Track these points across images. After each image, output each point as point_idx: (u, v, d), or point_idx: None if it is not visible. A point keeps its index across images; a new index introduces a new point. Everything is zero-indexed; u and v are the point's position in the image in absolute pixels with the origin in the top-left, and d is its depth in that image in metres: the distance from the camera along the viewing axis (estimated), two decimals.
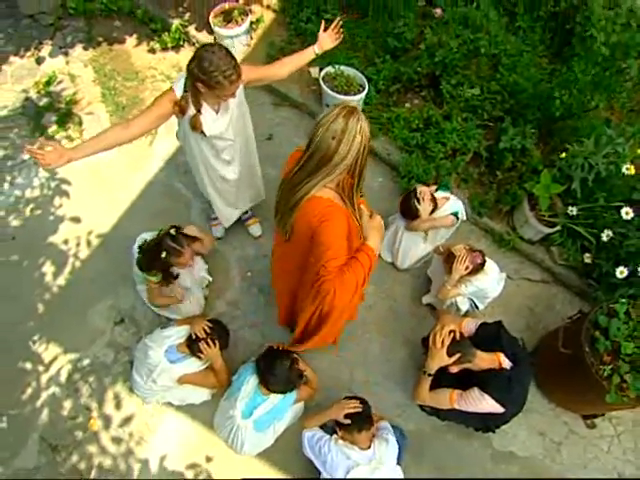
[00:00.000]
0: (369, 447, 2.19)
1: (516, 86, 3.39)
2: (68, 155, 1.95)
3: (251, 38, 3.95)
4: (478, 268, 2.58)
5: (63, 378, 2.80)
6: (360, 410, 2.20)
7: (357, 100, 3.39)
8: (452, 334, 2.16)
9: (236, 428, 2.44)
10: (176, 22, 3.96)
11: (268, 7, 4.12)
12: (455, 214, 2.88)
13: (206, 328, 2.42)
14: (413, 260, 3.11)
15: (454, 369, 2.20)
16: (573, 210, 2.98)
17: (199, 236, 2.65)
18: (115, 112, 3.69)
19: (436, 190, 2.95)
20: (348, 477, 2.09)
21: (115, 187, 3.40)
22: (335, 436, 2.23)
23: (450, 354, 2.13)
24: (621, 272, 2.62)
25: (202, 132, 2.23)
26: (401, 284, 3.15)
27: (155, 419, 2.71)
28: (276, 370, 2.37)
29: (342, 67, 3.47)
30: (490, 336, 2.29)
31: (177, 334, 2.46)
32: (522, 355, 2.25)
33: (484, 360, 2.18)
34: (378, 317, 3.03)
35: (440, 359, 2.14)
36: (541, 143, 3.48)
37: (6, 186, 3.37)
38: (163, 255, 2.44)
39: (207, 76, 1.96)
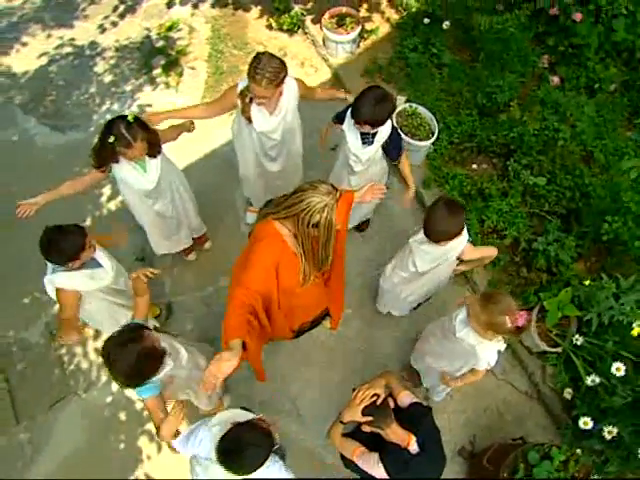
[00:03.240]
0: None
1: (590, 188, 3.20)
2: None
3: (357, 47, 4.02)
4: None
5: None
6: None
7: (421, 146, 3.39)
8: (375, 397, 2.26)
9: None
10: (297, 8, 4.12)
11: (387, 20, 4.12)
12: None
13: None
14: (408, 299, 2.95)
15: (366, 428, 2.31)
16: (579, 340, 2.83)
17: None
18: (213, 75, 4.03)
19: None
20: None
21: (187, 142, 3.52)
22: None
23: (364, 414, 2.25)
24: (585, 423, 2.51)
25: (249, 120, 2.52)
26: (382, 332, 3.24)
27: None
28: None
29: (420, 108, 3.46)
30: (415, 417, 2.36)
31: None
32: (433, 448, 2.28)
33: (396, 434, 2.25)
34: (348, 352, 3.18)
35: (354, 414, 2.26)
36: (593, 257, 3.29)
37: (103, 108, 3.90)
38: (110, 140, 2.18)
39: (247, 72, 2.30)
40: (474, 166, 3.58)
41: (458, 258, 2.50)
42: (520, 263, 3.28)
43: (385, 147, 2.64)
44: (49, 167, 3.57)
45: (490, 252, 2.55)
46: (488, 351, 2.26)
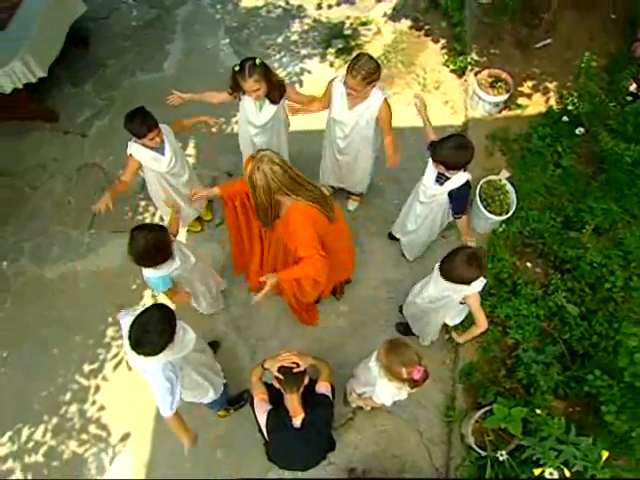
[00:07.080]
0: None
1: (612, 343, 3.05)
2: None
3: (499, 112, 4.20)
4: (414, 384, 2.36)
5: None
6: None
7: (487, 217, 3.53)
8: (294, 365, 2.63)
9: None
10: (470, 56, 4.43)
11: (543, 103, 4.20)
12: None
13: None
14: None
15: (275, 384, 2.71)
16: (503, 456, 2.85)
17: None
18: None
19: None
20: None
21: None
22: None
23: (279, 371, 2.65)
24: None
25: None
26: (359, 340, 3.56)
27: None
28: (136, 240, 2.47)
29: (509, 187, 3.58)
30: (316, 403, 2.66)
31: None
32: (311, 435, 2.55)
33: (292, 403, 2.59)
34: (327, 341, 3.56)
35: (272, 365, 2.66)
36: (578, 407, 3.15)
37: (277, 56, 4.70)
38: (236, 68, 2.80)
39: (347, 66, 2.74)
40: (528, 264, 3.60)
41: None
42: (507, 365, 3.29)
43: (450, 196, 2.86)
44: (214, 77, 4.48)
45: (481, 325, 2.64)
46: (384, 389, 2.48)
